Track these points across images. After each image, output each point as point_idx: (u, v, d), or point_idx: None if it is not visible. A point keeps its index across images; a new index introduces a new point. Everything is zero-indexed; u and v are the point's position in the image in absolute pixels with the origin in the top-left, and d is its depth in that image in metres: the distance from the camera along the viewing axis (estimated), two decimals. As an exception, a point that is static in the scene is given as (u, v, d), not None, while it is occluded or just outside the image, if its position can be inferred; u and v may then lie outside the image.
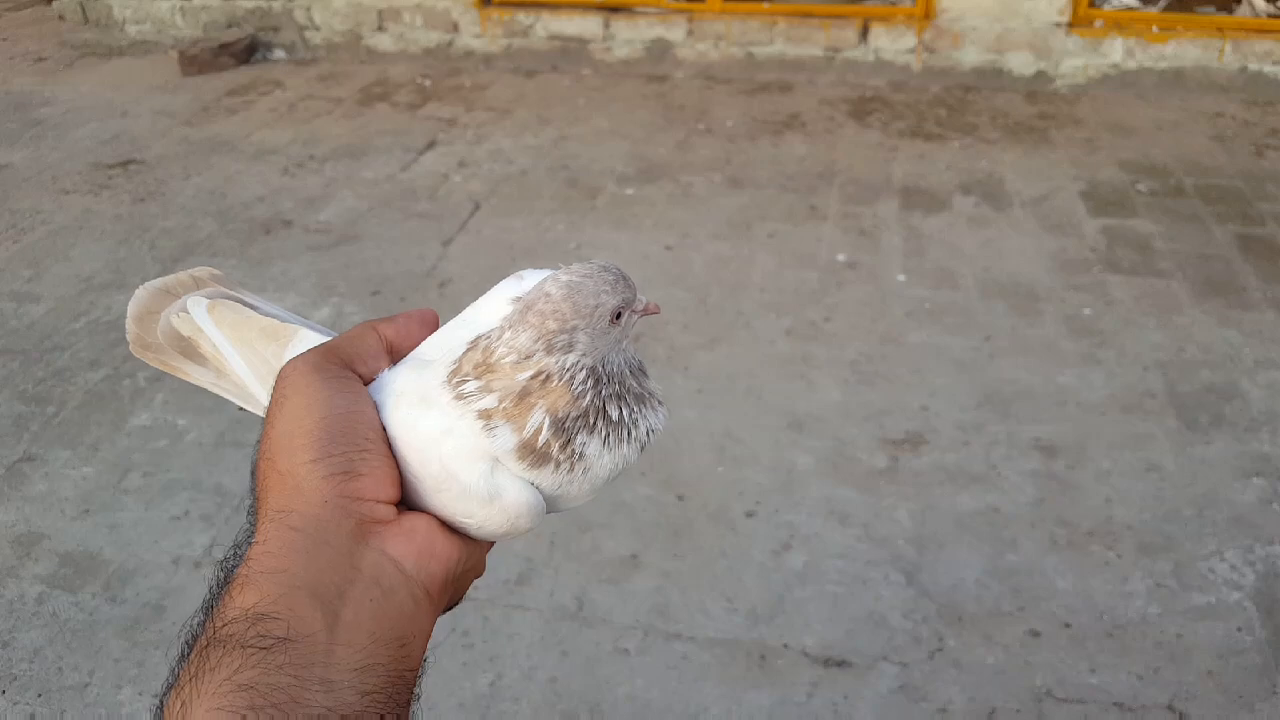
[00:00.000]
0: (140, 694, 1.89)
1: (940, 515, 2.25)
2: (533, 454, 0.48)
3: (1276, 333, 2.86)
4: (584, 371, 0.48)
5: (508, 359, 0.47)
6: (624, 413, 0.50)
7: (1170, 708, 1.80)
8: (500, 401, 0.47)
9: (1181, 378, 2.68)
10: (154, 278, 0.64)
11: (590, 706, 1.84)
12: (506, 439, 0.48)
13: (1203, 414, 2.54)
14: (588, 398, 0.48)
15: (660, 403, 0.53)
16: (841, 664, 1.91)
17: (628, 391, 0.50)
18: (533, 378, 0.47)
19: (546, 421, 0.47)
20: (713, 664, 1.92)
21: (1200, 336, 2.85)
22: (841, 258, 3.36)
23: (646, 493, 2.31)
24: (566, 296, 0.48)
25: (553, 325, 0.47)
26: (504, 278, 0.56)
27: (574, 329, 0.47)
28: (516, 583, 2.10)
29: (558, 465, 0.48)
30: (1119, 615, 1.98)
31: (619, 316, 0.49)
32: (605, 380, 0.49)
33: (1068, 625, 1.97)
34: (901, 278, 3.23)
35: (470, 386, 0.48)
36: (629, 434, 0.50)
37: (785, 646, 1.95)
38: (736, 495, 2.32)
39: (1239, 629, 1.95)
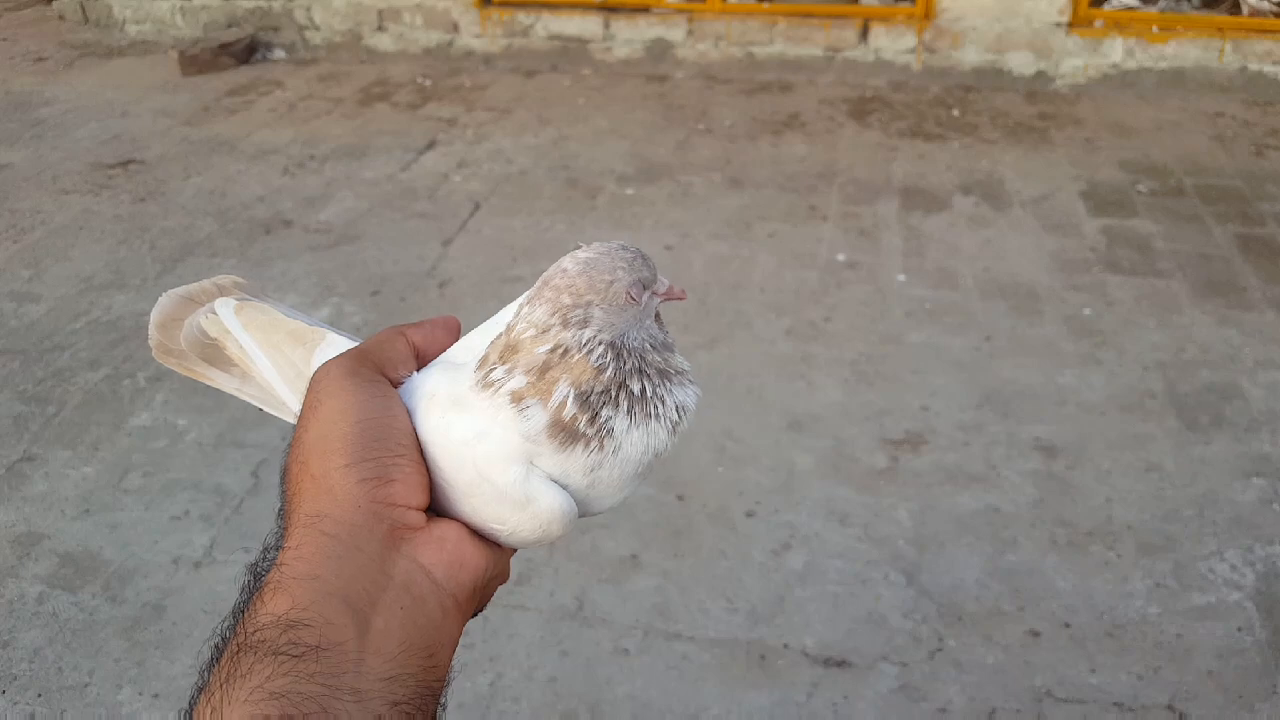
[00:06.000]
0: (140, 694, 1.89)
1: (940, 515, 2.25)
2: (563, 431, 0.48)
3: (1276, 333, 2.86)
4: (602, 346, 0.48)
5: (527, 334, 0.48)
6: (647, 388, 0.49)
7: (1170, 708, 1.80)
8: (526, 378, 0.48)
9: (1181, 378, 2.68)
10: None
11: (590, 706, 1.84)
12: (538, 417, 0.47)
13: (1203, 414, 2.54)
14: (609, 371, 0.48)
15: (691, 381, 0.52)
16: (841, 664, 1.91)
17: (649, 366, 0.50)
18: (551, 351, 0.47)
19: (571, 395, 0.47)
20: (713, 664, 1.92)
21: (1200, 336, 2.85)
22: (841, 258, 3.36)
23: (646, 493, 2.31)
24: (582, 272, 0.48)
25: (567, 300, 0.48)
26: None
27: (588, 304, 0.48)
28: (516, 583, 2.10)
29: (588, 443, 0.48)
30: (1119, 615, 1.98)
31: (638, 294, 0.49)
32: (625, 355, 0.49)
33: (1068, 625, 1.97)
34: (901, 278, 3.23)
35: (497, 372, 0.48)
36: (656, 410, 0.50)
37: (785, 646, 1.95)
38: (736, 495, 2.32)
39: (1239, 629, 1.95)
